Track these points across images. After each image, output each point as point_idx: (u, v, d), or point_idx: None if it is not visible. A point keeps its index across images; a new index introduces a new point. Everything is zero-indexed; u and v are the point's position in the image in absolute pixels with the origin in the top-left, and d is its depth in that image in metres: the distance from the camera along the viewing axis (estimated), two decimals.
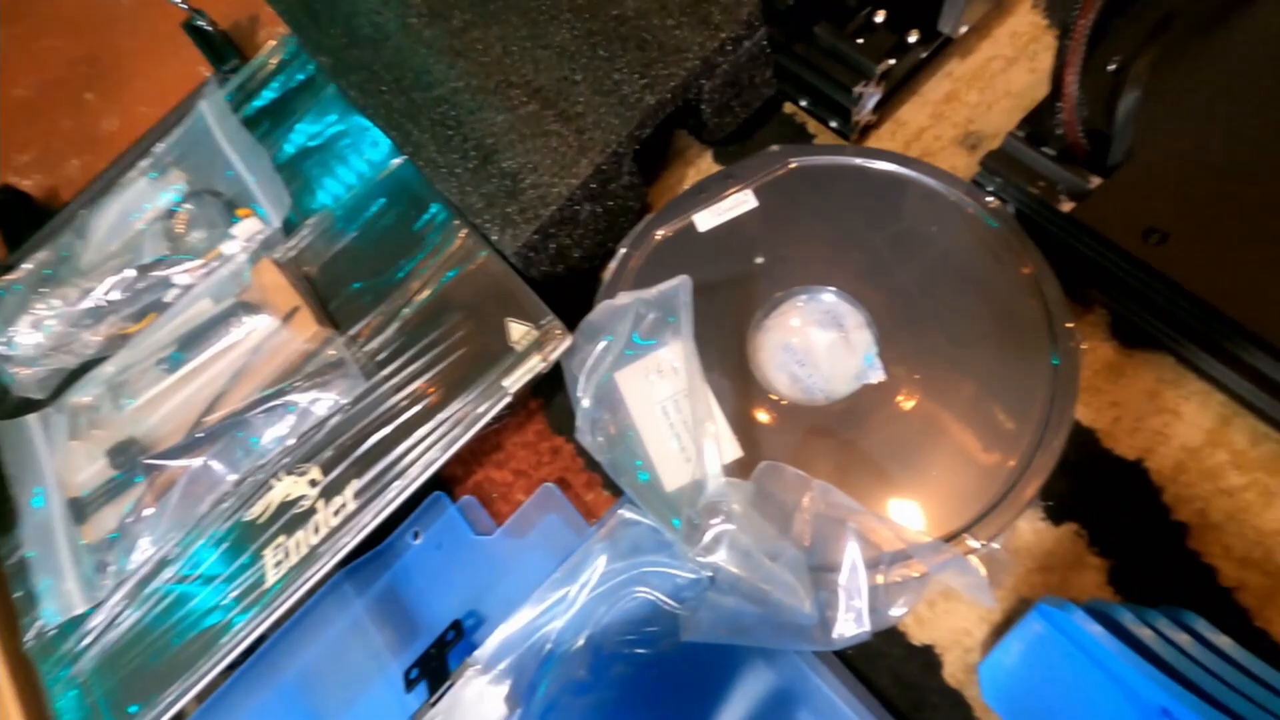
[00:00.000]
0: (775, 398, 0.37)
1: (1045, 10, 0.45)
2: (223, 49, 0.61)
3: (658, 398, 0.37)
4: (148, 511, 0.39)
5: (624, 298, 0.37)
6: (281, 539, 0.39)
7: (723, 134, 0.44)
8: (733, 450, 0.36)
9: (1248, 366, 0.31)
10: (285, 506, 0.39)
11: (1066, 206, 0.34)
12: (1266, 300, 0.30)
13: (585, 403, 0.38)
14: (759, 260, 0.40)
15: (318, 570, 0.38)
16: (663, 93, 0.38)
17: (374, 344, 0.42)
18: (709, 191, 0.41)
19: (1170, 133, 0.33)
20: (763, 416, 0.37)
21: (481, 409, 0.38)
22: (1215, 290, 0.30)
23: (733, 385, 0.37)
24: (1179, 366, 0.36)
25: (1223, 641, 0.29)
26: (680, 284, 0.34)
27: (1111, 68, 0.35)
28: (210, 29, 0.62)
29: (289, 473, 0.40)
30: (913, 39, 0.41)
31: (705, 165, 0.49)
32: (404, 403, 0.40)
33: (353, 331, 0.42)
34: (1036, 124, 0.35)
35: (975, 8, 0.38)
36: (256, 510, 0.40)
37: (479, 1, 0.44)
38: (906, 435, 0.34)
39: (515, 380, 0.38)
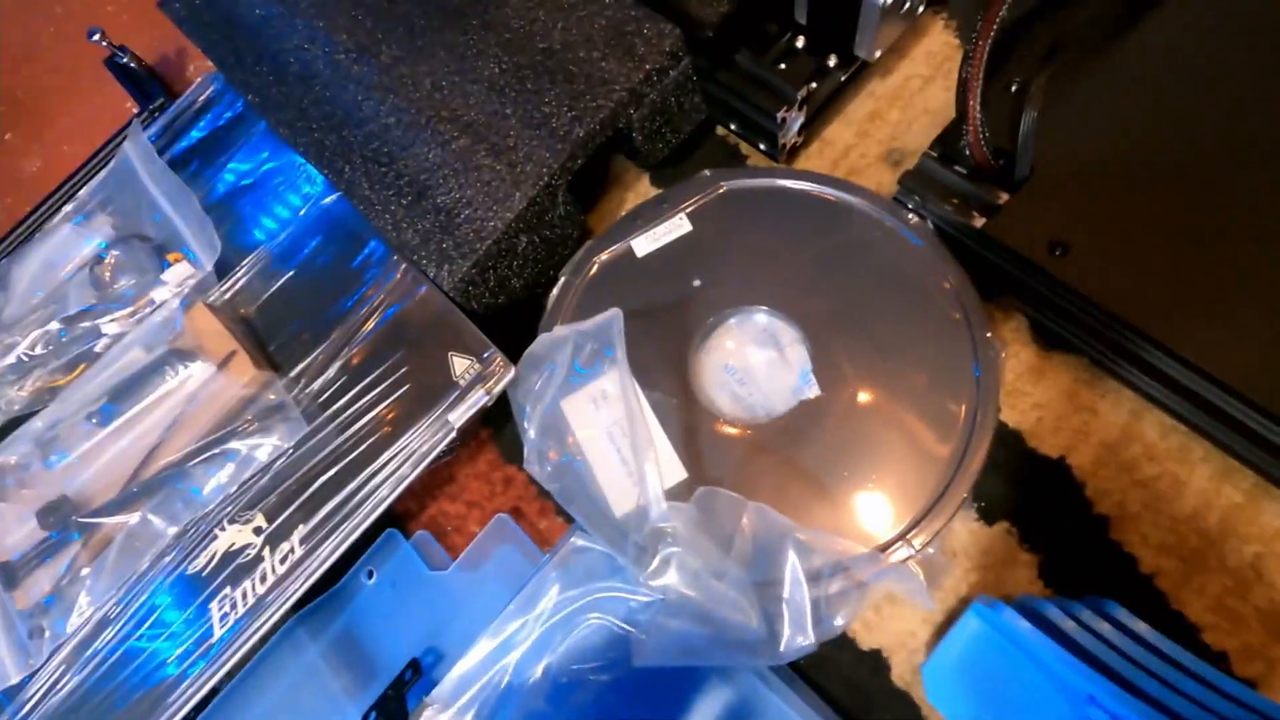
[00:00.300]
0: (719, 418, 0.38)
1: (957, 30, 0.47)
2: (148, 85, 0.59)
3: (602, 424, 0.38)
4: (84, 571, 0.38)
5: (561, 330, 0.37)
6: (227, 590, 0.38)
7: (657, 159, 0.45)
8: (677, 473, 0.37)
9: (1151, 367, 0.33)
10: (230, 556, 0.38)
11: (978, 222, 0.35)
12: (1163, 307, 0.32)
13: (532, 433, 0.38)
14: (696, 283, 0.40)
15: (267, 620, 0.37)
16: (591, 124, 0.38)
17: (316, 384, 0.41)
18: (645, 217, 0.42)
19: (1069, 149, 0.35)
20: (708, 437, 0.37)
21: (427, 445, 0.38)
22: (1116, 299, 0.32)
23: (677, 407, 0.38)
24: (1094, 367, 0.38)
25: (1140, 627, 0.30)
26: (612, 317, 0.35)
27: (1013, 88, 0.37)
28: (134, 65, 0.61)
29: (232, 521, 0.39)
30: (832, 63, 0.43)
31: (643, 188, 0.49)
32: (348, 443, 0.39)
33: (294, 372, 0.42)
34: (947, 144, 0.37)
35: (887, 33, 0.40)
36: (200, 562, 0.39)
37: (406, 37, 0.44)
38: (843, 447, 0.35)
39: (460, 415, 0.38)
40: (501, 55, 0.41)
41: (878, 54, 0.41)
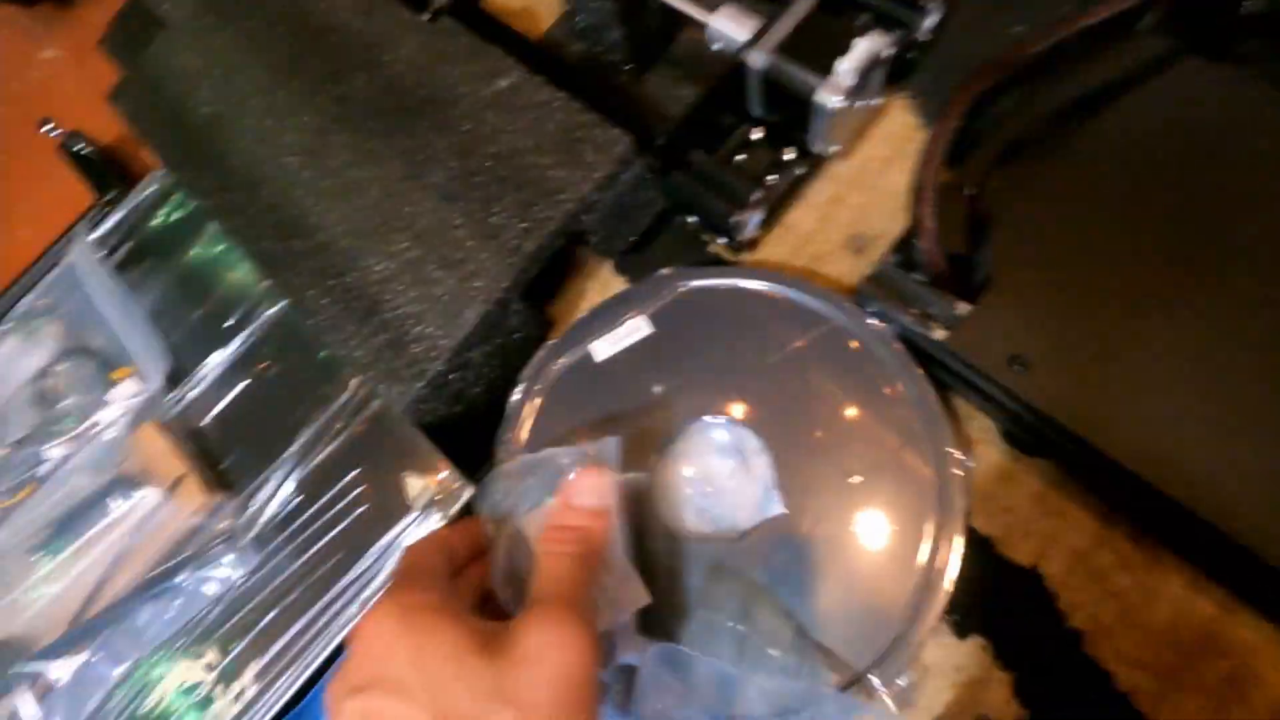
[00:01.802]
0: (682, 533, 0.36)
1: (916, 110, 0.46)
2: (103, 173, 0.58)
3: None
4: (28, 718, 0.36)
5: (547, 453, 0.36)
6: None
7: (616, 252, 0.44)
8: (639, 597, 0.35)
9: (1116, 482, 0.32)
10: (181, 695, 0.37)
11: (939, 334, 0.35)
12: (1123, 426, 0.31)
13: (499, 554, 0.37)
14: (657, 389, 0.39)
15: None
16: (541, 237, 0.37)
17: (270, 507, 0.40)
18: (604, 318, 0.41)
19: (1025, 258, 0.34)
20: (671, 554, 0.36)
21: (384, 573, 0.37)
22: (1076, 416, 0.31)
23: (641, 522, 0.37)
24: (1061, 470, 0.37)
25: None
26: (613, 444, 0.34)
27: (968, 193, 0.36)
28: (89, 151, 0.59)
29: (184, 655, 0.38)
30: (789, 156, 0.42)
31: (606, 275, 0.48)
32: (301, 570, 0.38)
33: (247, 490, 0.41)
34: (906, 250, 0.36)
35: (842, 129, 0.39)
36: (150, 702, 0.37)
37: (357, 142, 0.43)
38: (809, 570, 0.34)
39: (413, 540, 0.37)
40: (450, 160, 0.40)
41: (833, 149, 0.40)
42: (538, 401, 0.41)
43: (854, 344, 0.38)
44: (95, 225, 0.50)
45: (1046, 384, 0.32)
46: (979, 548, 0.37)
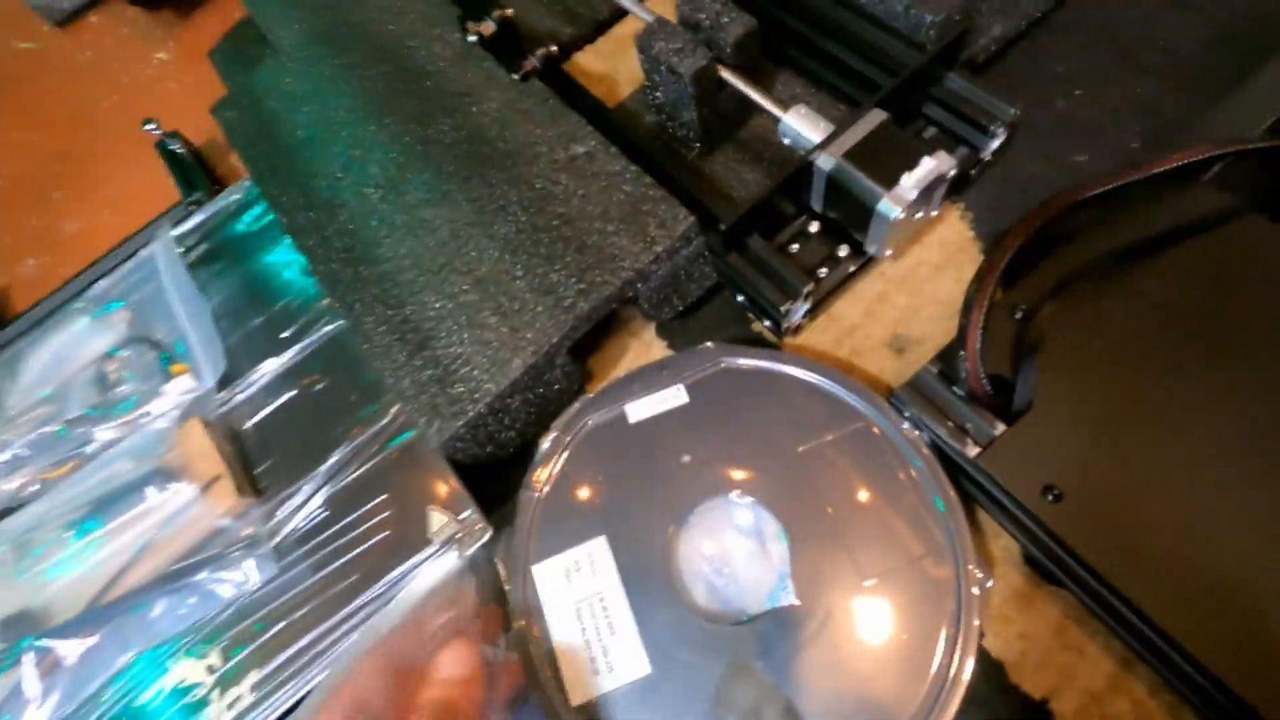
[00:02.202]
0: (691, 608, 0.36)
1: (972, 222, 0.47)
2: (193, 174, 0.62)
3: (571, 599, 0.37)
4: (30, 693, 0.37)
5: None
6: None
7: (662, 319, 0.46)
8: (640, 667, 0.35)
9: (1139, 631, 0.32)
10: (178, 693, 0.38)
11: (972, 450, 0.35)
12: (1155, 577, 0.31)
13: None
14: (685, 459, 0.40)
15: None
16: (596, 300, 0.39)
17: (296, 519, 0.41)
18: (642, 381, 0.42)
19: (1070, 388, 0.34)
20: (677, 628, 0.36)
21: (393, 602, 0.38)
22: (1105, 558, 0.31)
23: (651, 589, 0.37)
24: (1083, 605, 0.36)
25: None
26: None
27: (1018, 315, 0.37)
28: (183, 151, 0.63)
29: (187, 654, 0.38)
30: (843, 253, 0.43)
31: (648, 337, 0.50)
32: (315, 587, 0.39)
33: (276, 500, 0.42)
34: (948, 361, 0.37)
35: (899, 236, 0.40)
36: (147, 695, 0.38)
37: (434, 181, 0.45)
38: (814, 667, 0.34)
39: (428, 578, 0.38)
40: (519, 214, 0.43)
41: (888, 253, 0.42)
42: (566, 453, 0.42)
43: (885, 446, 0.38)
44: (178, 223, 0.53)
45: (1078, 519, 0.32)
46: (990, 671, 0.36)
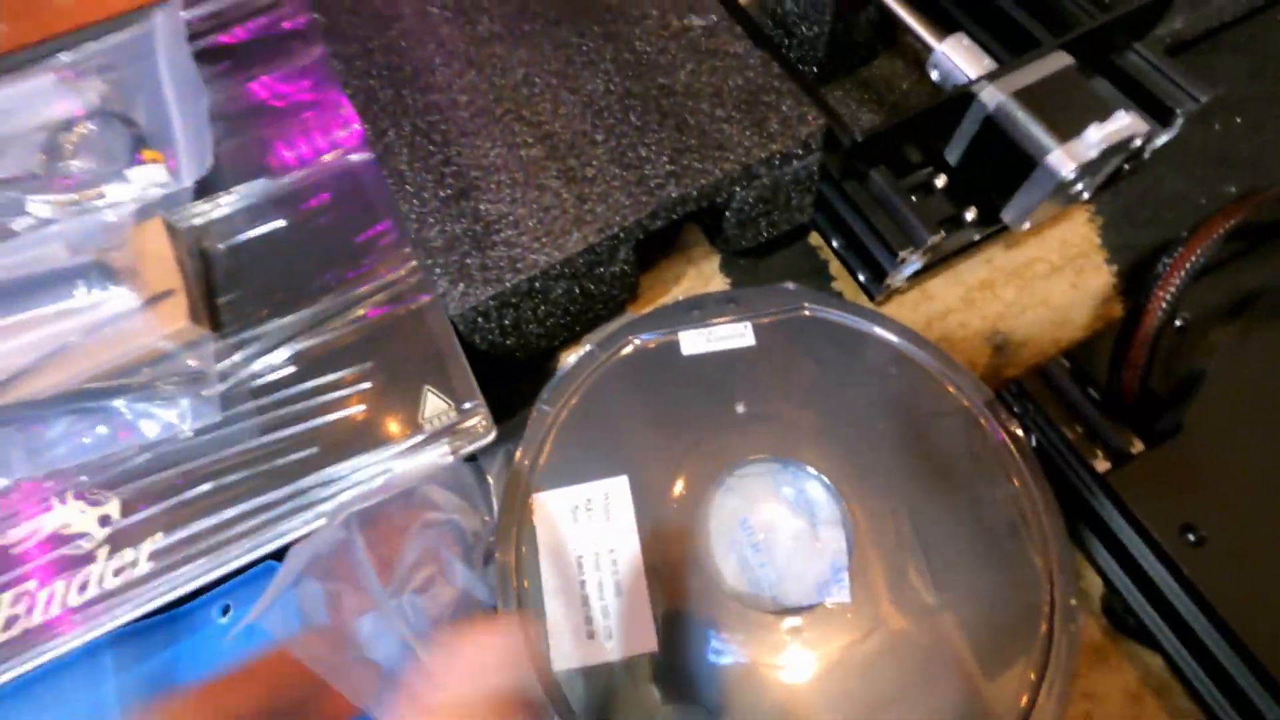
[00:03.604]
0: (716, 585, 0.30)
1: (1100, 228, 0.42)
2: None
3: (578, 542, 0.30)
4: None
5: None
6: (32, 585, 0.29)
7: (737, 247, 0.39)
8: (647, 642, 0.28)
9: (1246, 708, 0.26)
10: (56, 540, 0.29)
11: (1102, 466, 0.29)
12: None
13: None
14: (740, 408, 0.33)
15: (62, 643, 0.28)
16: (689, 188, 0.32)
17: (255, 365, 0.33)
18: (704, 310, 0.35)
19: (1232, 419, 0.29)
20: (696, 605, 0.29)
21: (353, 493, 0.30)
22: (1245, 621, 0.25)
23: (672, 553, 0.30)
24: (1170, 673, 0.31)
25: None
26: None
27: (1179, 323, 0.31)
28: None
29: (78, 496, 0.30)
30: (969, 216, 0.37)
31: (709, 270, 0.43)
32: (260, 452, 0.31)
33: (237, 339, 0.34)
34: (1086, 359, 0.31)
35: (1045, 209, 0.34)
36: (19, 533, 0.29)
37: (514, 16, 0.38)
38: (862, 689, 0.27)
39: (410, 469, 0.30)
40: (614, 74, 0.35)
41: (1026, 226, 0.35)
42: (599, 373, 0.34)
43: (986, 442, 0.32)
44: (192, 4, 0.44)
45: (1219, 567, 0.26)
46: None
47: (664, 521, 0.31)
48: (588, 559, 0.30)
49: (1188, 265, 0.27)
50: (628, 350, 0.35)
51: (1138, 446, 0.29)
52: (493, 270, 0.31)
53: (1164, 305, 0.27)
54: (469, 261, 0.31)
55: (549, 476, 0.31)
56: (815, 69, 0.43)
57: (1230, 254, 0.33)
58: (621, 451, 0.32)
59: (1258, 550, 0.26)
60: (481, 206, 0.32)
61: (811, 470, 0.32)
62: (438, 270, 0.31)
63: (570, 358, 0.34)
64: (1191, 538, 0.27)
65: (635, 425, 0.33)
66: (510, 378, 0.38)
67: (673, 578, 0.30)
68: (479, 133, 0.34)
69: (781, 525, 0.31)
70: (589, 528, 0.30)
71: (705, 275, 0.43)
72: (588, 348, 0.35)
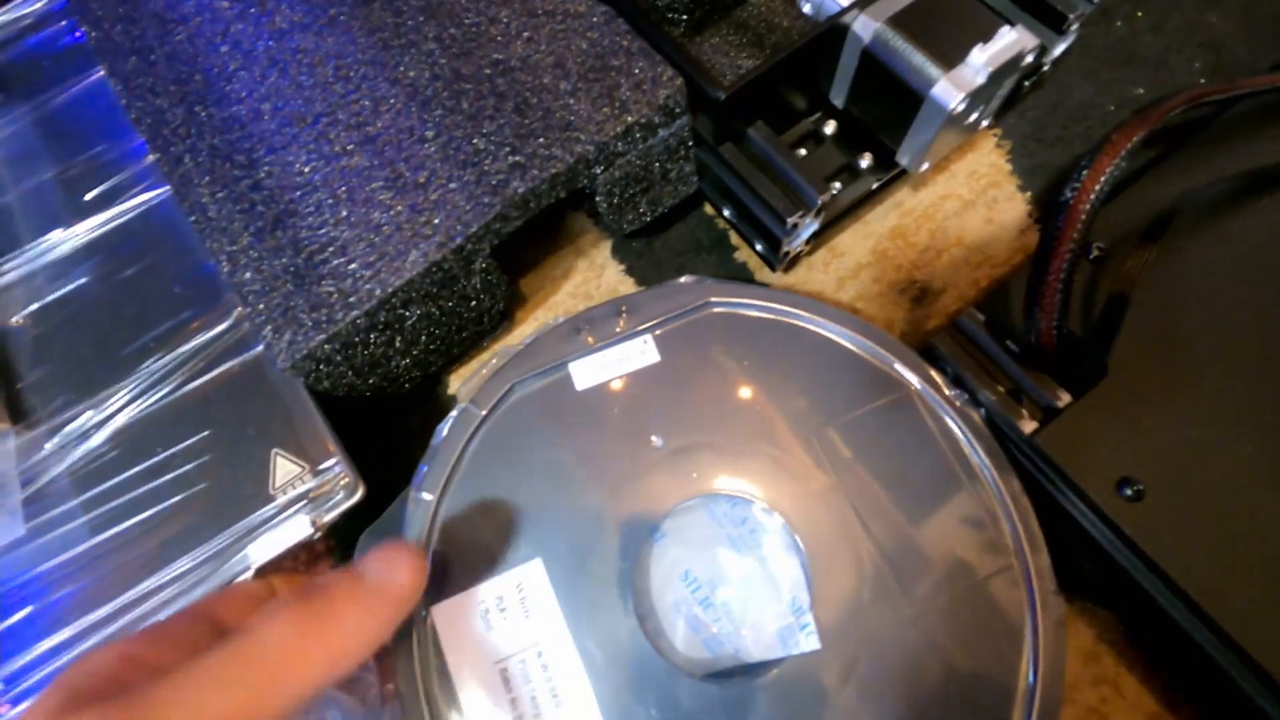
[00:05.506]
0: (667, 657, 0.26)
1: (1009, 153, 0.39)
2: None
3: (494, 652, 0.25)
4: None
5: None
6: None
7: (622, 231, 0.35)
8: None
9: (1203, 662, 0.24)
10: None
11: (1028, 425, 0.26)
12: (1253, 599, 0.23)
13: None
14: (656, 442, 0.29)
15: None
16: (537, 180, 0.27)
17: (71, 457, 0.28)
18: (594, 328, 0.30)
19: (1160, 356, 0.26)
20: (647, 681, 0.25)
21: (206, 586, 0.26)
22: (1190, 572, 0.23)
23: (610, 632, 0.26)
24: (1128, 629, 0.29)
25: None
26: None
27: (1095, 254, 0.28)
28: None
29: None
30: (864, 163, 0.33)
31: (600, 258, 0.39)
32: (85, 558, 0.26)
33: (43, 428, 0.29)
34: (997, 307, 0.28)
35: (942, 144, 0.31)
36: None
37: (317, 1, 0.32)
38: None
39: (266, 549, 0.26)
40: (439, 55, 0.30)
41: (925, 166, 0.32)
42: (480, 437, 0.29)
43: (932, 422, 0.28)
44: None
45: (1161, 521, 0.24)
46: None
47: (595, 599, 0.26)
48: (513, 669, 0.25)
49: (1095, 190, 0.24)
50: (511, 400, 0.30)
51: (1065, 399, 0.26)
52: (322, 309, 0.26)
53: (1073, 237, 0.24)
54: (293, 303, 0.27)
55: (444, 581, 0.26)
56: (685, 15, 0.39)
57: (1142, 166, 0.31)
58: (527, 528, 0.27)
59: (1198, 494, 0.24)
60: (301, 234, 0.28)
61: (748, 498, 0.28)
62: (259, 318, 0.27)
63: (446, 426, 0.29)
64: (1129, 492, 0.24)
65: (537, 492, 0.28)
66: (400, 409, 0.34)
67: (617, 662, 0.26)
68: (289, 146, 0.29)
69: (728, 568, 0.27)
70: (506, 631, 0.26)
71: (598, 265, 0.39)
72: (459, 408, 0.29)
